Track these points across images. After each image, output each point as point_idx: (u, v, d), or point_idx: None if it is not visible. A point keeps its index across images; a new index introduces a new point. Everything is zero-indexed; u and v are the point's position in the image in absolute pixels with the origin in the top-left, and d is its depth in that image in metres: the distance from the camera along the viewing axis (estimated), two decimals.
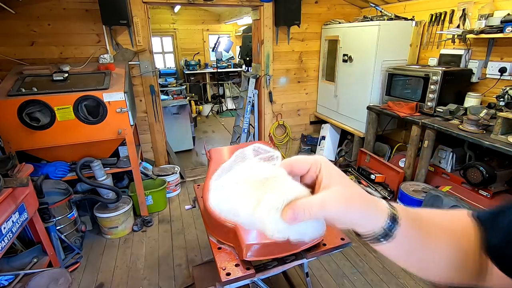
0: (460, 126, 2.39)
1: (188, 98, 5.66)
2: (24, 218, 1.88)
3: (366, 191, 0.39)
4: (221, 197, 0.39)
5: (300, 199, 0.36)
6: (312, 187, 0.40)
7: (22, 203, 1.87)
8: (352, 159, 3.81)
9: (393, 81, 3.14)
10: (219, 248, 1.43)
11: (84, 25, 3.06)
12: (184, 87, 6.57)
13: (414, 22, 3.17)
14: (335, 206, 0.35)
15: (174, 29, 7.88)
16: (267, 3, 3.63)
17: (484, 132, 2.28)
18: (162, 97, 4.82)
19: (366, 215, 0.37)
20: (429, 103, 2.74)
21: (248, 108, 4.00)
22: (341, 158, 4.00)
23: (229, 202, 0.38)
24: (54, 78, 2.60)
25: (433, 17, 3.04)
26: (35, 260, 2.09)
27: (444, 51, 2.97)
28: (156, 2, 3.47)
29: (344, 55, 3.58)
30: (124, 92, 2.59)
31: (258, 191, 0.37)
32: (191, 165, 4.54)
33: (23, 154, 2.54)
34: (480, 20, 2.51)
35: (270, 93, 4.06)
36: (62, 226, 2.49)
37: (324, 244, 1.44)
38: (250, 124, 4.15)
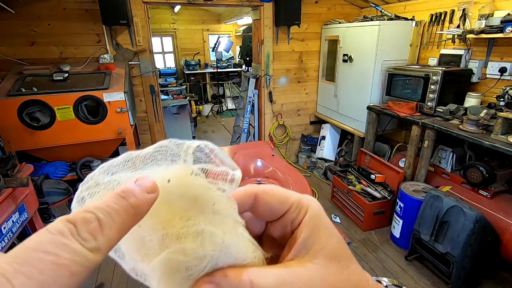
0: (460, 126, 2.39)
1: (188, 98, 5.66)
2: (24, 218, 1.88)
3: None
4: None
5: (240, 266, 0.20)
6: (279, 247, 0.24)
7: (22, 203, 1.87)
8: (352, 159, 3.81)
9: (393, 81, 3.14)
10: None
11: (84, 25, 3.06)
12: (184, 87, 6.57)
13: (414, 22, 3.17)
14: None
15: (174, 29, 7.88)
16: (267, 3, 3.63)
17: (484, 132, 2.28)
18: (162, 97, 4.83)
19: None
20: (429, 103, 2.74)
21: (248, 108, 4.00)
22: (341, 158, 4.00)
23: None
24: (54, 78, 2.60)
25: (433, 17, 3.04)
26: None
27: (444, 51, 2.97)
28: (156, 2, 3.47)
29: (344, 55, 3.58)
30: (124, 92, 2.59)
31: (170, 226, 0.20)
32: None
33: (23, 154, 2.54)
34: (480, 20, 2.51)
35: (270, 93, 4.06)
36: None
37: None
38: (250, 124, 4.15)
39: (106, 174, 0.21)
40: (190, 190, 0.21)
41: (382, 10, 3.36)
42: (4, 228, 1.66)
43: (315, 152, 4.38)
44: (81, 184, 0.21)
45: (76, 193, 0.21)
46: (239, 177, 0.23)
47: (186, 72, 7.73)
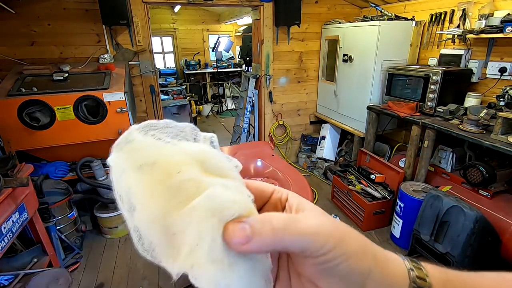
0: (460, 126, 2.38)
1: (188, 98, 5.66)
2: (24, 218, 1.88)
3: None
4: (141, 152, 0.24)
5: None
6: None
7: (22, 203, 1.87)
8: (352, 159, 3.81)
9: (393, 81, 3.14)
10: None
11: (84, 25, 3.06)
12: (184, 87, 6.57)
13: (414, 22, 3.17)
14: (326, 234, 0.23)
15: (174, 29, 7.88)
16: (267, 3, 3.63)
17: (484, 132, 2.27)
18: (162, 97, 4.83)
19: (373, 264, 0.24)
20: (429, 103, 2.74)
21: (248, 108, 4.00)
22: (341, 158, 4.00)
23: (147, 167, 0.23)
24: (54, 78, 2.60)
25: (433, 17, 3.04)
26: (35, 260, 2.09)
27: (444, 51, 2.97)
28: (156, 2, 3.47)
29: (344, 55, 3.58)
30: (124, 92, 2.59)
31: (205, 176, 0.24)
32: None
33: (23, 154, 2.54)
34: (480, 20, 2.51)
35: (270, 93, 4.06)
36: (62, 226, 2.49)
37: None
38: (250, 124, 4.15)
39: (150, 129, 0.26)
40: (216, 157, 0.26)
41: (382, 10, 3.36)
42: (4, 228, 1.66)
43: (315, 152, 4.38)
44: (134, 127, 0.25)
45: (128, 132, 0.25)
46: (240, 165, 0.28)
47: (186, 72, 7.73)
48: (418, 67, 2.94)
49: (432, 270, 0.27)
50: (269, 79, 3.99)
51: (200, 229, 0.22)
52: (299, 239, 0.23)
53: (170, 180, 0.23)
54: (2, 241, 1.63)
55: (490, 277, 0.28)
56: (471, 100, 2.65)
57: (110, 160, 0.24)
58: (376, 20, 3.19)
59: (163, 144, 0.24)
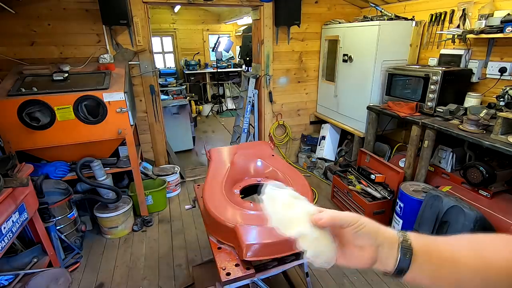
0: (460, 126, 2.38)
1: (188, 98, 5.65)
2: (24, 218, 1.88)
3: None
4: (272, 198, 0.57)
5: None
6: None
7: (22, 203, 1.87)
8: (352, 159, 3.81)
9: (393, 81, 3.14)
10: (219, 248, 1.43)
11: (84, 25, 3.06)
12: (184, 87, 6.55)
13: (414, 22, 3.17)
14: (352, 216, 0.49)
15: (174, 29, 7.88)
16: (267, 3, 3.63)
17: (484, 132, 2.27)
18: (162, 97, 4.82)
19: (380, 231, 0.49)
20: (429, 103, 2.74)
21: (248, 108, 4.00)
22: (341, 158, 4.00)
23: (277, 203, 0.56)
24: (54, 78, 2.60)
25: (433, 17, 3.04)
26: (35, 260, 2.10)
27: (444, 51, 2.97)
28: (156, 2, 3.47)
29: (344, 55, 3.58)
30: (124, 92, 2.59)
31: (296, 203, 0.56)
32: (191, 165, 4.54)
33: (23, 154, 2.54)
34: (480, 20, 2.51)
35: (270, 93, 4.06)
36: (62, 226, 2.49)
37: None
38: (250, 124, 4.15)
39: (270, 185, 0.61)
40: (297, 194, 0.58)
41: (382, 10, 3.36)
42: (4, 228, 1.66)
43: (315, 152, 4.38)
44: (269, 188, 0.59)
45: (267, 194, 0.58)
46: (306, 198, 0.59)
47: (186, 72, 7.73)
48: (418, 67, 2.94)
49: (410, 234, 0.49)
50: (269, 79, 3.99)
51: (301, 218, 0.52)
52: (341, 219, 0.49)
53: (284, 202, 0.55)
54: (2, 241, 1.63)
55: (454, 236, 0.50)
56: (471, 100, 2.65)
57: (262, 198, 0.58)
58: (376, 20, 3.19)
59: (276, 191, 0.58)
